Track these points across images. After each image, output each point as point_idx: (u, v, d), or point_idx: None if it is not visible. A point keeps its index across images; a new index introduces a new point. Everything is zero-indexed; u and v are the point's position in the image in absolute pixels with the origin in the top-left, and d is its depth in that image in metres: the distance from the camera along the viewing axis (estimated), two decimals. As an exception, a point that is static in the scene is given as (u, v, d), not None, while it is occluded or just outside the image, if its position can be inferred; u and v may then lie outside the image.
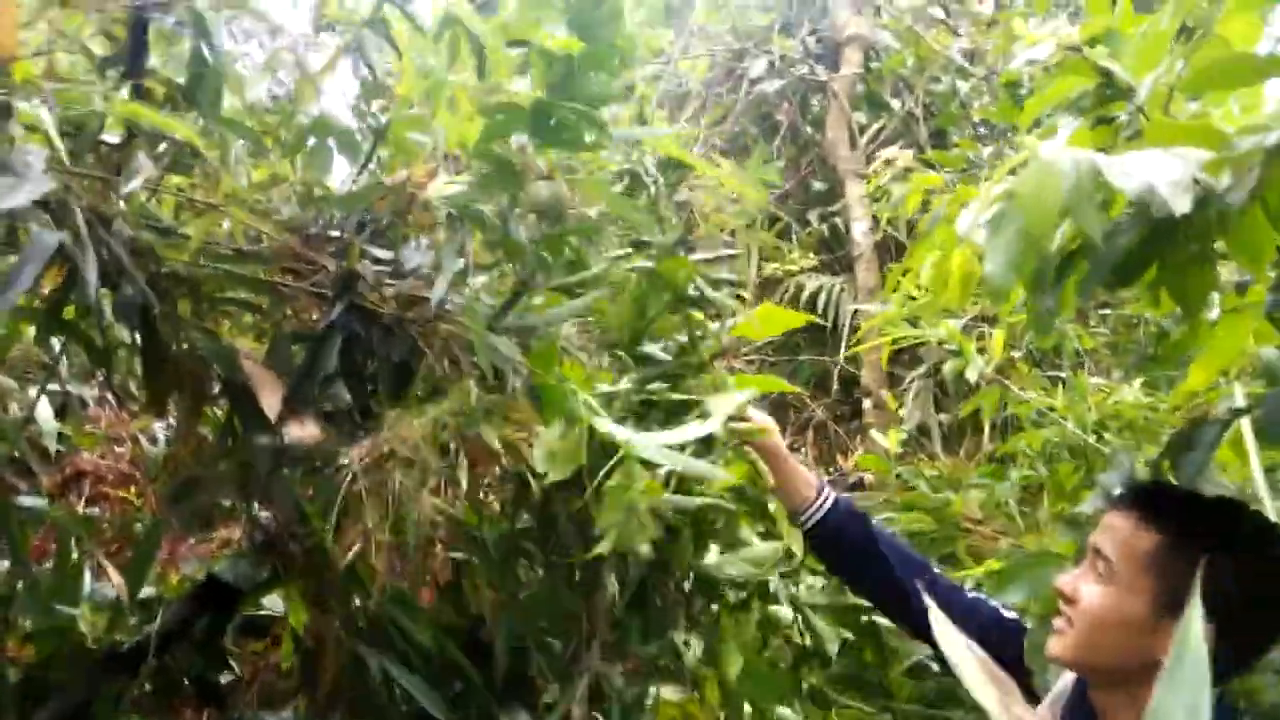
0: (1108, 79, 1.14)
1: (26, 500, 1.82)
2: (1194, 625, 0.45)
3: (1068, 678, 1.37)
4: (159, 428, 2.81)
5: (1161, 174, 0.94)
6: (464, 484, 1.22)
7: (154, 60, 1.26)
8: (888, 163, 3.06)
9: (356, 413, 1.31)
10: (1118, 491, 1.42)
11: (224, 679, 1.89)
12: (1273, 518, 1.61)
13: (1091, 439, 2.84)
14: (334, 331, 1.23)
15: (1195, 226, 1.08)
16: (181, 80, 1.25)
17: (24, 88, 1.35)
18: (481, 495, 1.46)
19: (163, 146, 1.43)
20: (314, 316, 1.34)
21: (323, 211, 1.32)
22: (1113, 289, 1.21)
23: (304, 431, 1.21)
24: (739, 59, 5.66)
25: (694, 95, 5.68)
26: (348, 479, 1.17)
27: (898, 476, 3.04)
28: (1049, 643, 1.27)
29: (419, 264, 1.28)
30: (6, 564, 1.88)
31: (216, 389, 1.44)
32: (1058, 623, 1.26)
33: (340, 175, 1.43)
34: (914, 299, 2.66)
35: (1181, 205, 0.96)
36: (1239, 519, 1.23)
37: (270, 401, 1.23)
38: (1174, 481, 1.41)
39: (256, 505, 1.66)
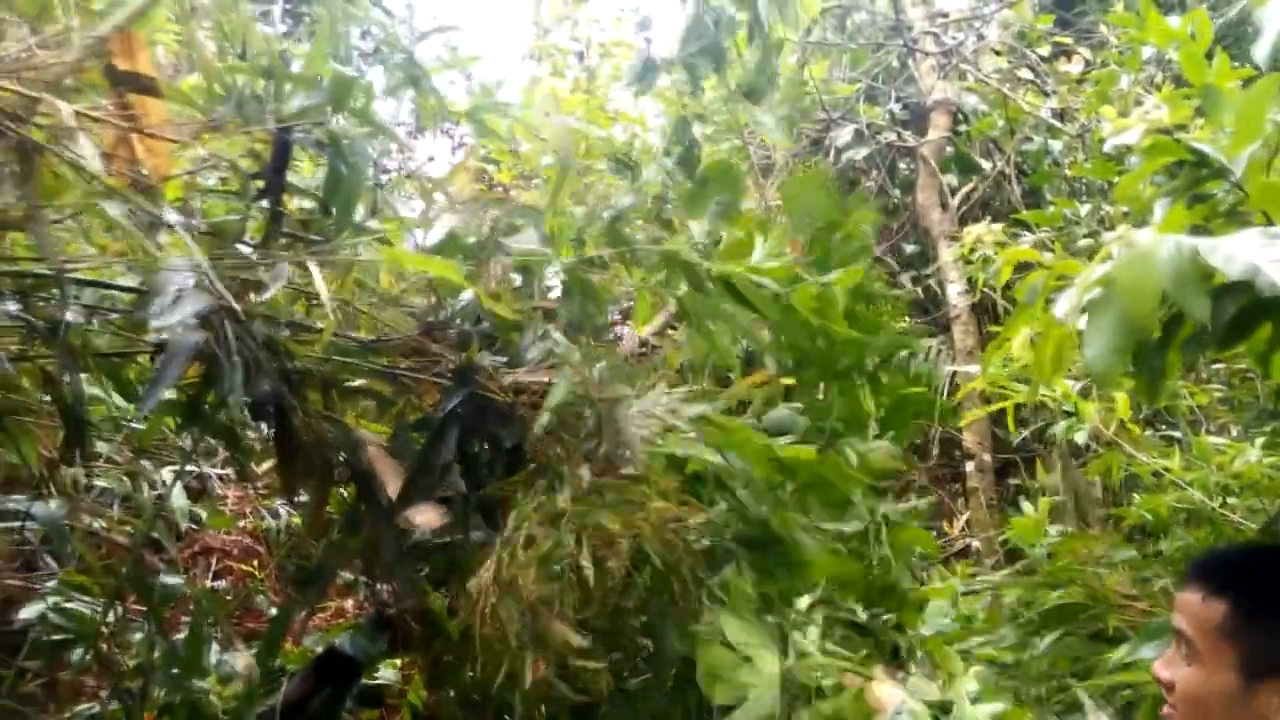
0: (1201, 159, 1.14)
1: (166, 579, 1.94)
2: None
3: None
4: (279, 502, 2.95)
5: (1264, 255, 0.93)
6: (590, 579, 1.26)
7: (292, 176, 1.39)
8: (976, 244, 3.01)
9: (472, 497, 1.37)
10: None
11: (342, 749, 1.94)
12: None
13: (1215, 503, 2.71)
14: (452, 421, 1.30)
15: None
16: (318, 191, 1.37)
17: (174, 203, 1.50)
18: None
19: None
20: (434, 399, 1.41)
21: (445, 305, 1.41)
22: (1221, 350, 1.19)
23: (424, 518, 1.28)
24: (825, 129, 5.72)
25: (779, 168, 5.74)
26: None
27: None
28: None
29: (536, 355, 1.34)
30: (138, 635, 2.00)
31: (342, 472, 1.53)
32: (1165, 711, 1.26)
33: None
34: (1014, 360, 2.61)
35: (1287, 283, 0.95)
36: None
37: (393, 489, 1.30)
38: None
39: (374, 579, 1.73)
